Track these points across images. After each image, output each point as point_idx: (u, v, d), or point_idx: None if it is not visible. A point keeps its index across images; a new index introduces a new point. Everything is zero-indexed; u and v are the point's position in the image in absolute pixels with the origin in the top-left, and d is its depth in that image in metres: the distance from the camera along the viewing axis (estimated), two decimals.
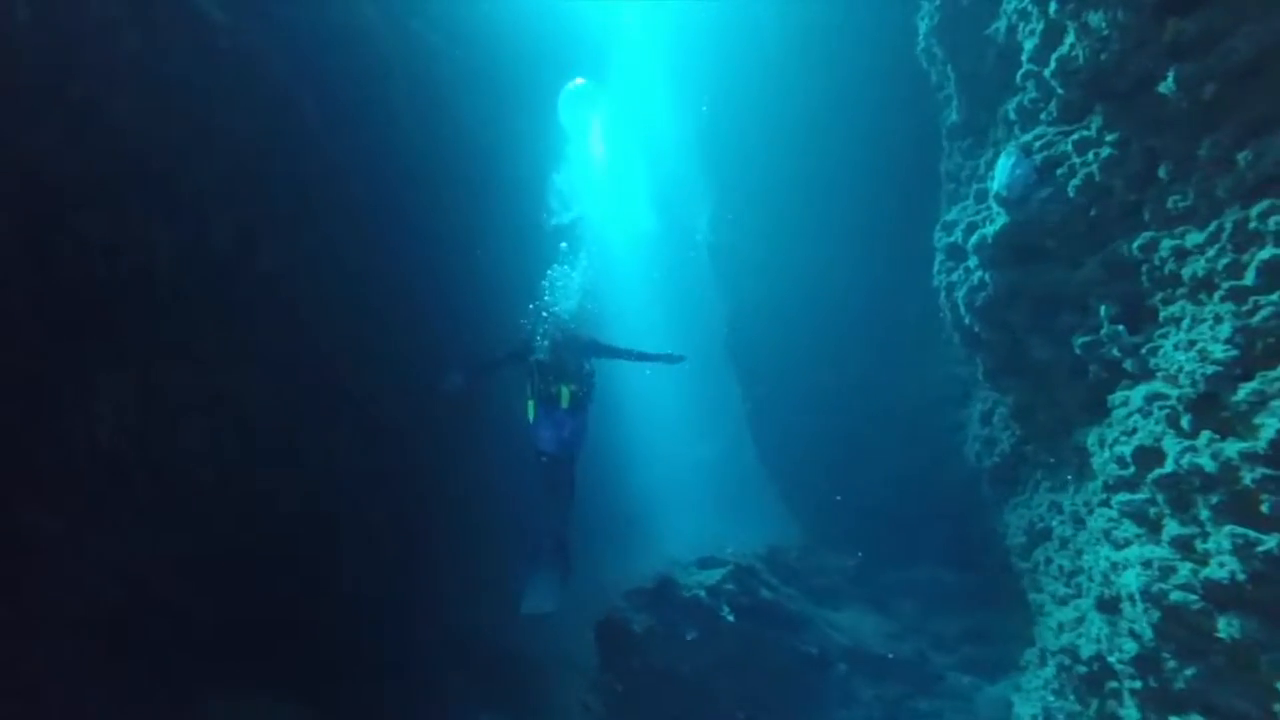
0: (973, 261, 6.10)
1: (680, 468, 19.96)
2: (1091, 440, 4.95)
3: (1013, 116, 5.66)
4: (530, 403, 7.39)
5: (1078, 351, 5.13)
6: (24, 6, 5.17)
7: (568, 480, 7.74)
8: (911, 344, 11.02)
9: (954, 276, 6.53)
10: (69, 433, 5.58)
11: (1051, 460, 6.16)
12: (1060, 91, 4.87)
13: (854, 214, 11.93)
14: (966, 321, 6.45)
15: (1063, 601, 5.60)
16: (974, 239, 6.00)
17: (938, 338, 10.22)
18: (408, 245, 8.09)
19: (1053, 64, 4.78)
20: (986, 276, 5.96)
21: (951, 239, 6.51)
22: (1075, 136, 4.83)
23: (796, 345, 13.68)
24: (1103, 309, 4.83)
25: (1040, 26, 4.90)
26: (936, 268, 6.98)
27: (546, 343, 7.32)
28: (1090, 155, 4.72)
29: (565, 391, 7.28)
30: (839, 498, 12.78)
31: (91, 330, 5.62)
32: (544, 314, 7.36)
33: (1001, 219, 5.62)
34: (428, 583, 9.08)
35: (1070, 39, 4.56)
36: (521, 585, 8.20)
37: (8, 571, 5.22)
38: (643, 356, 7.72)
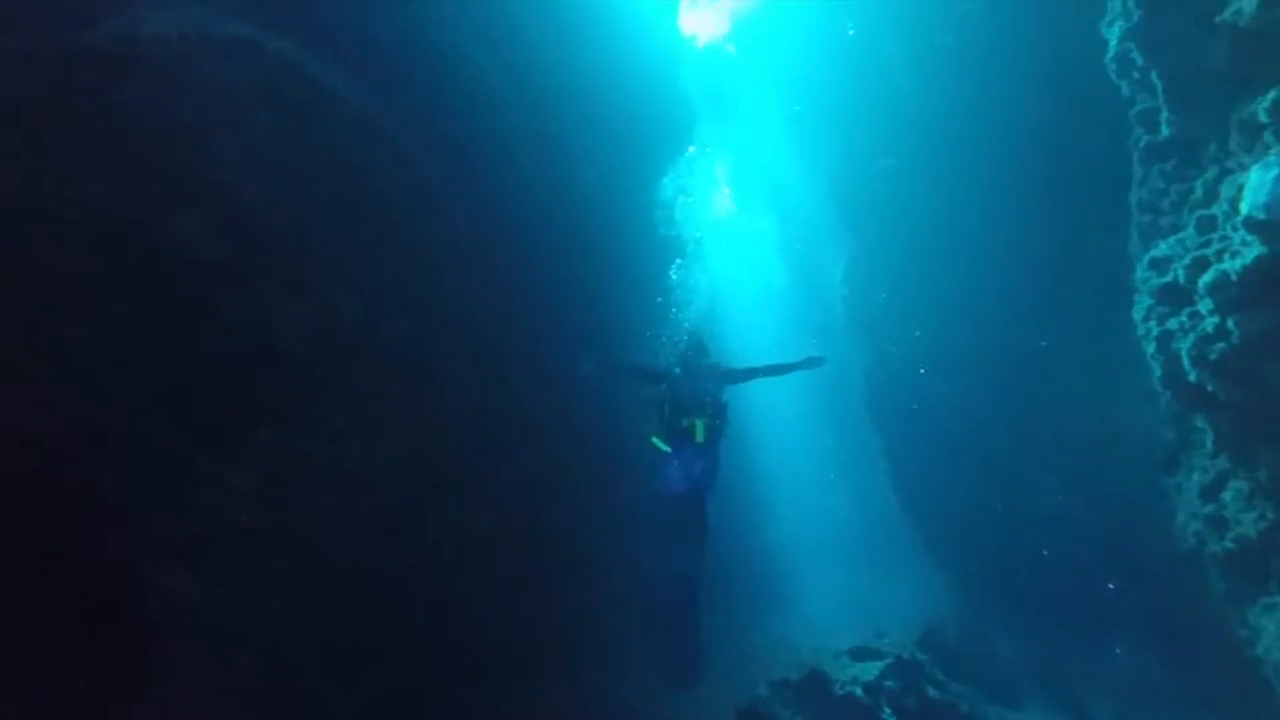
0: (1205, 305, 4.53)
1: (815, 520, 18.20)
2: None
3: (1264, 118, 4.14)
4: (655, 439, 6.51)
5: None
6: (189, 108, 4.88)
7: (699, 522, 6.65)
8: (1085, 395, 9.17)
9: (1171, 324, 4.94)
10: (209, 504, 5.14)
11: None
12: None
13: (1006, 253, 10.24)
14: (1193, 378, 4.84)
15: None
16: (1207, 277, 4.44)
17: (1121, 388, 8.38)
18: (532, 298, 7.37)
19: None
20: (1229, 322, 4.38)
21: (1166, 279, 4.94)
22: None
23: (944, 395, 12.00)
24: None
25: None
26: (1142, 314, 5.39)
27: (679, 369, 6.54)
28: None
29: (699, 426, 6.35)
30: (1001, 560, 10.93)
31: (228, 405, 5.17)
32: (673, 316, 6.55)
33: (1255, 249, 4.08)
34: (558, 650, 8.13)
35: None
36: (656, 653, 7.08)
37: (150, 633, 4.79)
38: (781, 369, 6.95)
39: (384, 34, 6.21)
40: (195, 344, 4.94)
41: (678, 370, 6.66)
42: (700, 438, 6.36)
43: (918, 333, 12.92)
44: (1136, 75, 5.33)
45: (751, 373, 6.86)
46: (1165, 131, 5.17)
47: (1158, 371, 5.37)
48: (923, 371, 12.54)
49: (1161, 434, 7.51)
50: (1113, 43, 5.37)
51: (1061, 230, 8.97)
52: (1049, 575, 9.65)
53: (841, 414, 16.09)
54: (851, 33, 12.14)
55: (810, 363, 6.99)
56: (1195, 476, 6.32)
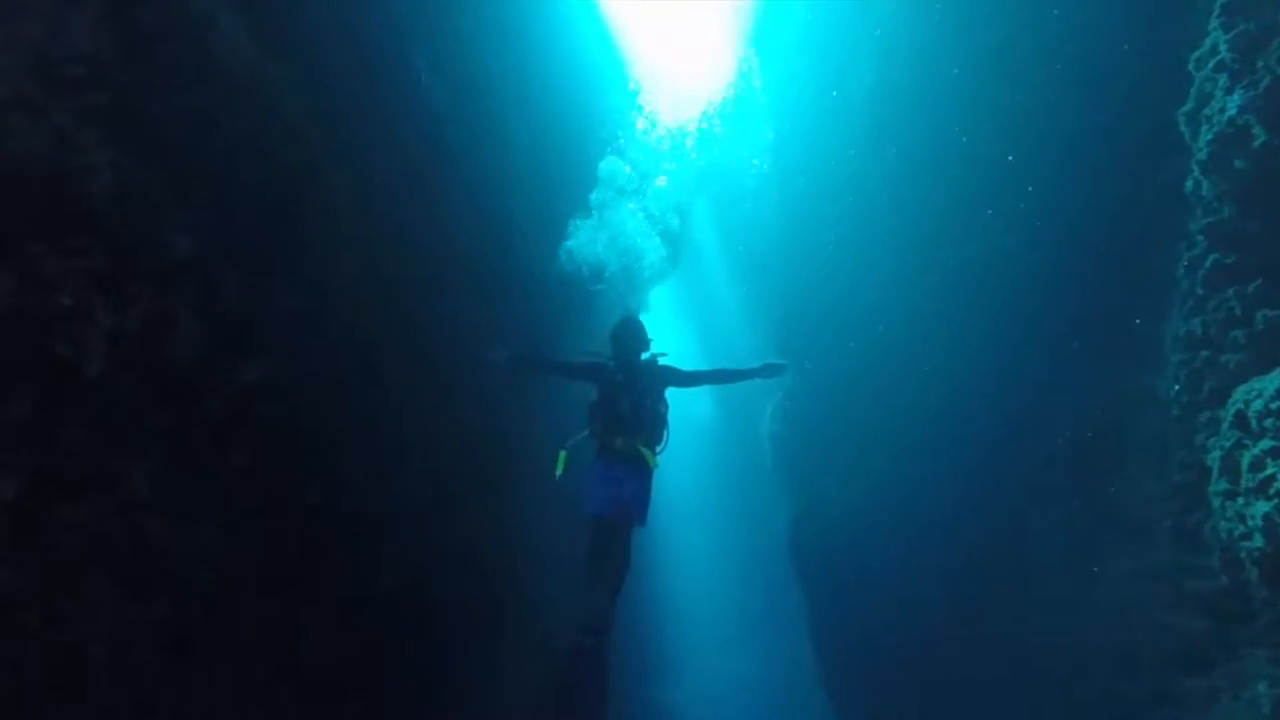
0: None
1: (718, 685, 15.68)
2: None
3: None
4: (561, 456, 5.24)
5: None
6: None
7: (622, 550, 5.24)
8: (1057, 578, 7.70)
9: None
10: None
11: None
12: None
13: (953, 405, 9.07)
14: None
15: None
16: None
17: (1110, 567, 6.97)
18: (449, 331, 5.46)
19: None
20: None
21: None
22: None
23: (881, 563, 10.33)
24: None
25: None
26: (1247, 463, 3.98)
27: (612, 364, 5.31)
28: None
29: (647, 454, 5.18)
30: None
31: None
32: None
33: None
34: None
35: None
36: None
37: None
38: (735, 375, 5.85)
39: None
40: None
41: (611, 365, 5.32)
42: (653, 465, 5.24)
43: (846, 482, 11.53)
44: (1240, 164, 4.20)
45: (697, 378, 5.69)
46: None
47: (1259, 542, 3.89)
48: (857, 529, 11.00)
49: (1179, 624, 6.04)
50: (1228, 112, 4.19)
51: (1034, 376, 7.82)
52: None
53: (761, 563, 14.16)
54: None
55: (769, 370, 5.75)
56: (1262, 686, 4.75)
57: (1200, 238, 4.63)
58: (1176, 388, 5.21)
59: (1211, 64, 4.27)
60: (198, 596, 3.36)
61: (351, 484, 4.42)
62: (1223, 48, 4.14)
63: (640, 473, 5.24)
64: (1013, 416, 7.97)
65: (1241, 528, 4.10)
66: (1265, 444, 3.80)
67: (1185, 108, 4.58)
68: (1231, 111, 4.19)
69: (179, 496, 3.33)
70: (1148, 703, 6.35)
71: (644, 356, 5.43)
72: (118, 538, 3.05)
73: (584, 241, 7.44)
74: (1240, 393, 4.03)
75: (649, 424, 5.29)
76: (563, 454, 5.21)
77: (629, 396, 5.24)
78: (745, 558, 15.86)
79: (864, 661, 10.61)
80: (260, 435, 3.82)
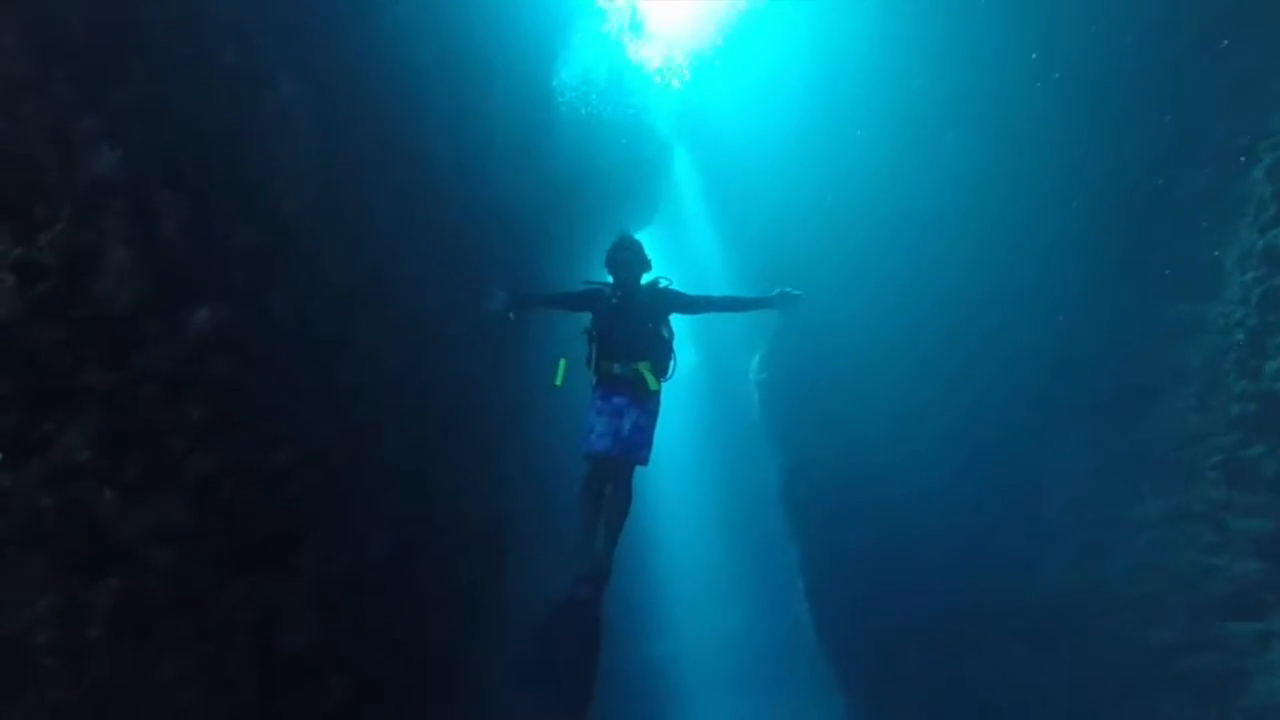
0: None
1: (700, 639, 15.51)
2: None
3: None
4: (560, 367, 4.82)
5: None
6: None
7: (622, 492, 4.74)
8: (1067, 514, 7.41)
9: None
10: None
11: None
12: None
13: (963, 343, 8.65)
14: None
15: None
16: None
17: (1131, 511, 6.67)
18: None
19: None
20: None
21: None
22: None
23: (880, 507, 10.01)
24: None
25: None
26: None
27: (609, 290, 4.82)
28: None
29: (647, 373, 4.66)
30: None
31: None
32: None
33: None
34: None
35: None
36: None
37: None
38: (747, 303, 5.17)
39: None
40: None
41: (608, 291, 4.84)
42: (654, 385, 4.74)
43: (839, 429, 11.15)
44: None
45: (707, 303, 5.00)
46: None
47: None
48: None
49: (1224, 566, 5.78)
50: None
51: (1058, 304, 7.31)
52: None
53: (751, 515, 13.87)
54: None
55: (783, 299, 5.03)
56: None
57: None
58: (1241, 311, 4.81)
59: None
60: (155, 575, 2.79)
61: (324, 446, 3.78)
62: None
63: (643, 401, 4.69)
64: (1032, 351, 7.55)
65: None
66: None
67: None
68: None
69: (125, 462, 2.74)
70: (1181, 650, 6.12)
71: (645, 280, 4.87)
72: (53, 510, 2.49)
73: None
74: None
75: (651, 349, 4.76)
76: (562, 362, 4.71)
77: (627, 321, 4.70)
78: (734, 509, 15.59)
79: (864, 615, 10.40)
80: (216, 392, 3.17)
